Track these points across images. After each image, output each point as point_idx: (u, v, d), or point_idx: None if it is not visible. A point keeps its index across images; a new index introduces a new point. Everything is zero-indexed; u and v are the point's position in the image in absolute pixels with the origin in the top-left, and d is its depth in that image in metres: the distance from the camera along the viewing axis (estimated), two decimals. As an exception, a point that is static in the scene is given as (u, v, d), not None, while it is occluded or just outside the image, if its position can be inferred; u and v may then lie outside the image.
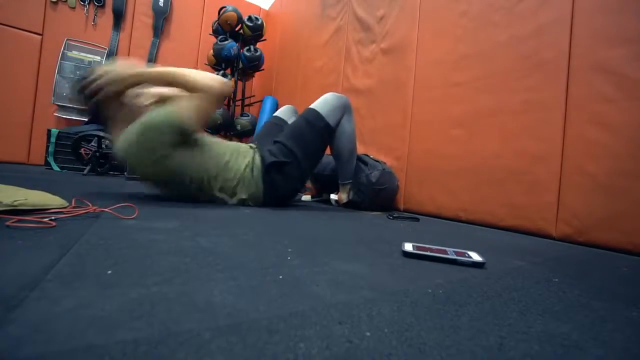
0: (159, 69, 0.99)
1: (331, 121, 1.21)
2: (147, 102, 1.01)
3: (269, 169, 1.09)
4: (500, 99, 1.15)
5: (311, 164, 1.21)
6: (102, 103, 0.95)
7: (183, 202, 0.98)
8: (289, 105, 1.52)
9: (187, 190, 1.01)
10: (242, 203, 1.09)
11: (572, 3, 0.98)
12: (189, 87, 0.97)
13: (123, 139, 0.92)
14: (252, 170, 1.09)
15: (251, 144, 1.21)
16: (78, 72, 2.50)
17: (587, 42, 0.95)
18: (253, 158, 1.11)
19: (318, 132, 1.19)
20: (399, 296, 0.36)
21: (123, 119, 0.97)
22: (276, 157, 1.11)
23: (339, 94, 1.27)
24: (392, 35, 1.67)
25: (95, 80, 0.92)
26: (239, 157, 1.10)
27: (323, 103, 1.22)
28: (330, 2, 2.22)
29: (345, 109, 1.25)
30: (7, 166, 2.07)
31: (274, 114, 1.51)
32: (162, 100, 1.01)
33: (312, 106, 1.23)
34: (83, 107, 0.98)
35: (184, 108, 0.95)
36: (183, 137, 0.96)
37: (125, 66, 0.96)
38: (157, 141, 0.91)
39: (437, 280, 0.44)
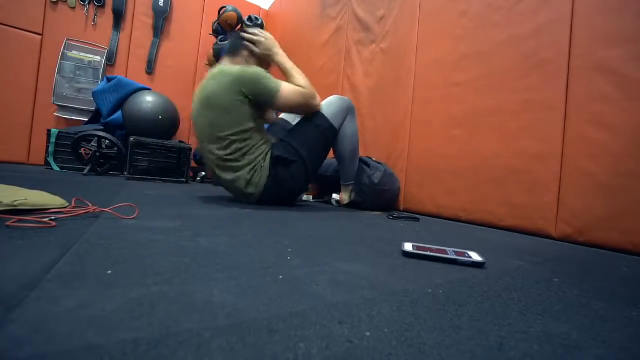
0: (287, 61, 1.21)
1: (335, 123, 1.23)
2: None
3: (275, 162, 1.13)
4: (500, 99, 1.15)
5: (316, 165, 1.24)
6: (241, 46, 1.21)
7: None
8: None
9: (212, 130, 1.09)
10: (239, 181, 1.12)
11: (572, 3, 0.98)
12: (295, 83, 1.16)
13: (231, 66, 1.14)
14: (264, 158, 1.13)
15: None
16: (78, 72, 2.50)
17: (587, 42, 0.95)
18: (268, 150, 1.15)
19: (323, 133, 1.21)
20: (399, 296, 0.36)
21: (238, 62, 1.19)
22: (283, 154, 1.14)
23: (343, 97, 1.29)
24: (392, 35, 1.67)
25: (255, 35, 1.20)
26: (266, 142, 1.16)
27: (327, 105, 1.25)
28: (330, 2, 2.22)
29: (348, 111, 1.28)
30: (7, 166, 2.07)
31: (278, 117, 1.52)
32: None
33: None
34: (229, 36, 1.24)
35: (285, 88, 1.12)
36: (258, 102, 1.10)
37: (274, 43, 1.22)
38: (244, 84, 1.07)
39: (437, 280, 0.44)
